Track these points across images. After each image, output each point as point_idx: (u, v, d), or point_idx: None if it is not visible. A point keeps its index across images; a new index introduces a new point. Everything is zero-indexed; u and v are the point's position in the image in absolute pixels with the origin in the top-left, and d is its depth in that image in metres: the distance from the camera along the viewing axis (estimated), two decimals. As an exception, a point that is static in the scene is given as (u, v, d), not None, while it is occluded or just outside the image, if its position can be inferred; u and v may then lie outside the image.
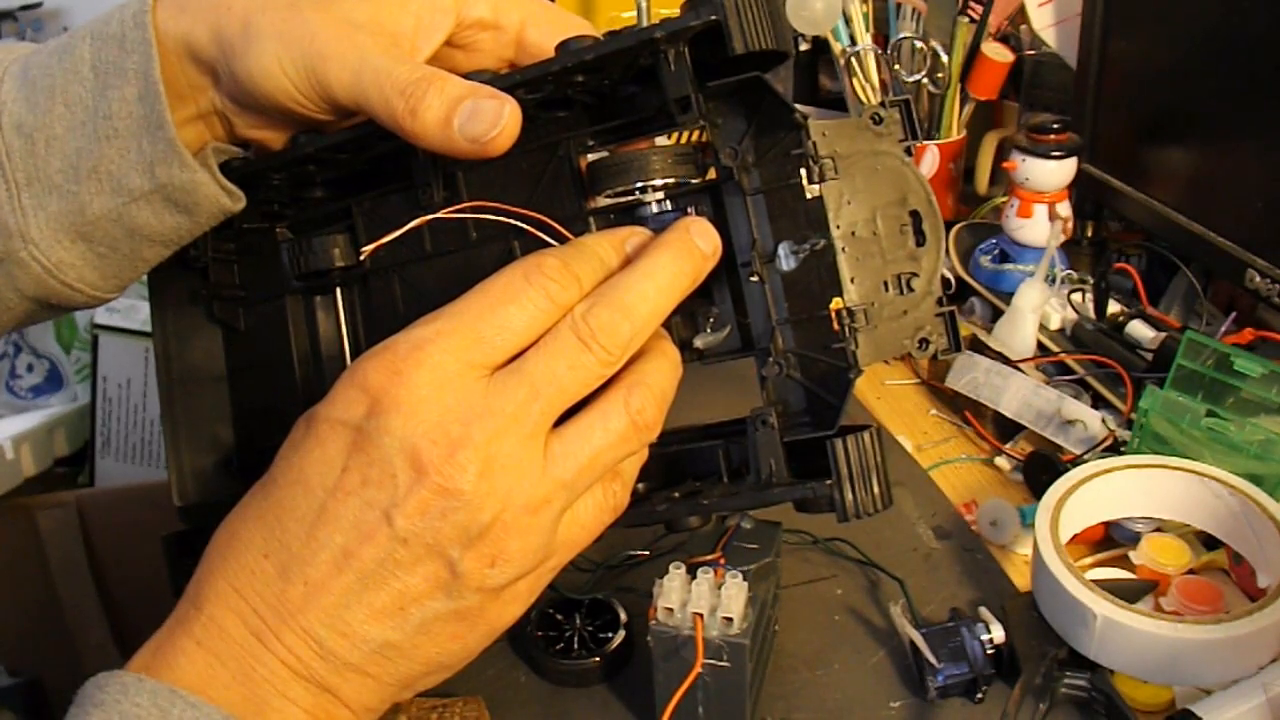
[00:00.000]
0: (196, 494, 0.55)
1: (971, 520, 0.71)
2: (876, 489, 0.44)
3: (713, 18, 0.42)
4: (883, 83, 1.01)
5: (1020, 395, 0.75)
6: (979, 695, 0.56)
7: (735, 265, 0.46)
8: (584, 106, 0.48)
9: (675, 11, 0.43)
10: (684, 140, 0.50)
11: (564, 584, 0.63)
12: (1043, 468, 0.71)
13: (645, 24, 1.38)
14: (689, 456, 0.50)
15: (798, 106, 0.45)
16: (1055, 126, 0.88)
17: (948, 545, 0.69)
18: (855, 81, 1.02)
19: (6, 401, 1.76)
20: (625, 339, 0.40)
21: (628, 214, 0.48)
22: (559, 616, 0.62)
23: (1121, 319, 0.81)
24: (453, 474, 0.37)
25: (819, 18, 0.99)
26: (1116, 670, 0.55)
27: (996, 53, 0.97)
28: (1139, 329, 0.80)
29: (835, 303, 0.44)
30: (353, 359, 0.50)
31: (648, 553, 0.67)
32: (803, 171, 0.44)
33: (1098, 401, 0.76)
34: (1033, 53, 1.04)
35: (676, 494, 0.47)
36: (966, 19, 0.95)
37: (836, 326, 0.44)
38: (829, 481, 0.44)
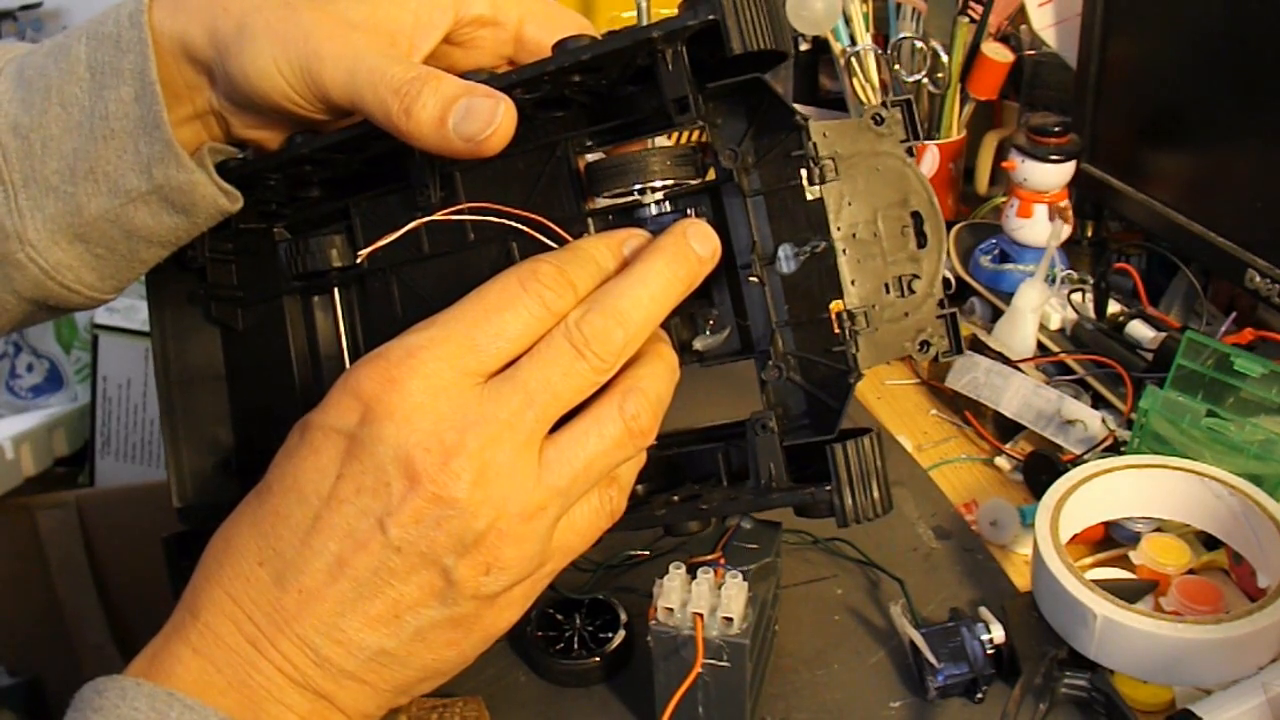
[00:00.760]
0: (196, 495, 0.55)
1: (971, 520, 0.71)
2: (876, 494, 0.44)
3: (710, 18, 0.42)
4: (883, 83, 1.01)
5: (1020, 395, 0.75)
6: (979, 695, 0.56)
7: (735, 266, 0.46)
8: (582, 107, 0.48)
9: (675, 11, 0.43)
10: (683, 140, 0.50)
11: (564, 584, 0.63)
12: (1043, 468, 0.71)
13: (645, 24, 1.38)
14: (688, 459, 0.50)
15: (798, 107, 0.45)
16: (1055, 129, 0.88)
17: (948, 545, 0.69)
18: (855, 81, 1.02)
19: (6, 401, 1.76)
20: (619, 345, 0.40)
21: (626, 215, 0.47)
22: (559, 616, 0.62)
23: (1121, 319, 0.81)
24: (447, 482, 0.37)
25: (819, 18, 0.99)
26: (1116, 670, 0.55)
27: (996, 53, 0.97)
28: (1139, 329, 0.80)
29: (835, 305, 0.44)
30: (351, 360, 0.49)
31: (648, 553, 0.67)
32: (803, 173, 0.44)
33: (1098, 401, 0.76)
34: (1033, 53, 1.04)
35: (676, 497, 0.47)
36: (966, 19, 0.95)
37: (837, 329, 0.44)
38: (828, 487, 0.43)
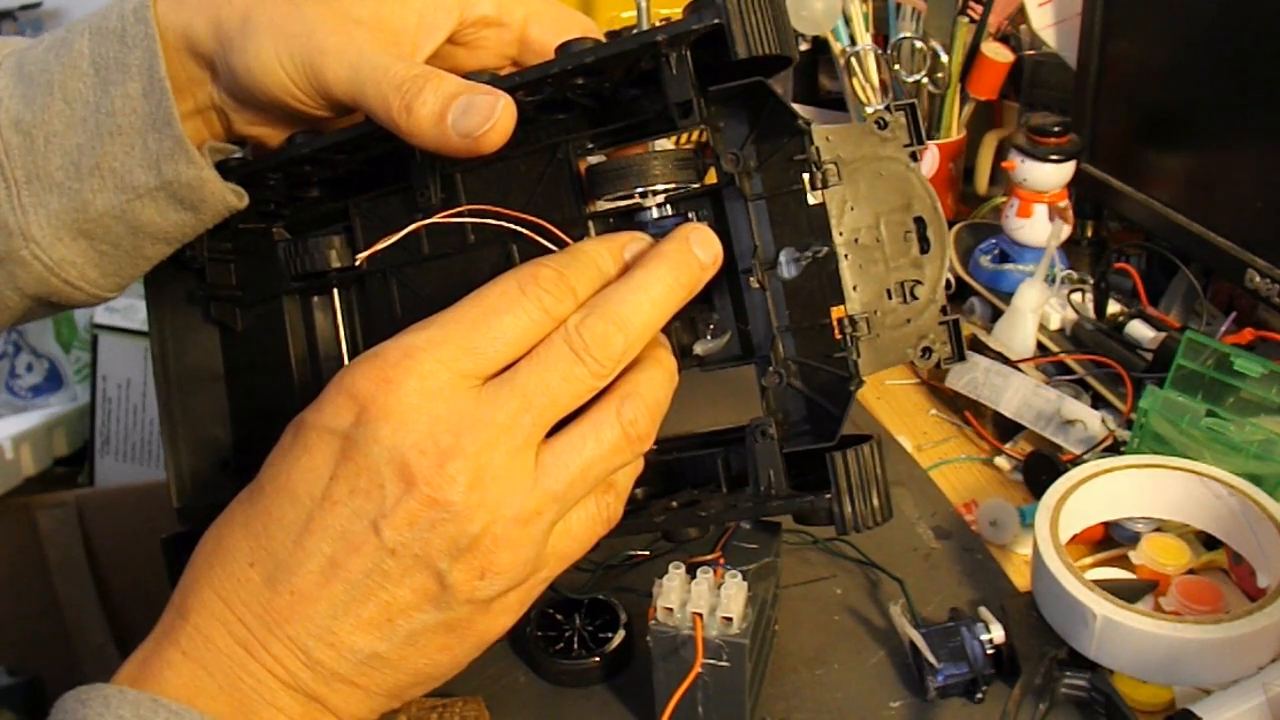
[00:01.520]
0: (195, 495, 0.54)
1: (971, 520, 0.71)
2: (876, 502, 0.44)
3: (715, 21, 0.41)
4: (883, 83, 1.01)
5: (1020, 395, 0.75)
6: (979, 695, 0.56)
7: (736, 271, 0.46)
8: (584, 109, 0.48)
9: (676, 12, 0.43)
10: (684, 142, 0.50)
11: (564, 584, 0.63)
12: (1043, 468, 0.71)
13: (646, 24, 1.38)
14: (688, 464, 0.50)
15: (797, 108, 0.45)
16: (1055, 129, 0.88)
17: (948, 545, 0.69)
18: (855, 82, 1.02)
19: (6, 401, 1.76)
20: (618, 351, 0.40)
21: (627, 218, 0.47)
22: (559, 616, 0.62)
23: (1121, 319, 0.81)
24: (442, 485, 0.37)
25: (819, 18, 1.00)
26: (1116, 670, 0.55)
27: (996, 53, 0.97)
28: (1139, 329, 0.80)
29: (837, 311, 0.44)
30: (350, 360, 0.49)
31: (648, 553, 0.67)
32: (805, 177, 0.44)
33: (1098, 401, 0.76)
34: (1033, 53, 1.04)
35: (675, 503, 0.47)
36: (966, 19, 0.95)
37: (838, 335, 0.44)
38: (828, 495, 0.43)
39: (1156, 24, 0.83)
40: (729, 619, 0.51)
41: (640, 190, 0.46)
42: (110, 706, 0.36)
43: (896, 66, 0.99)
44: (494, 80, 0.44)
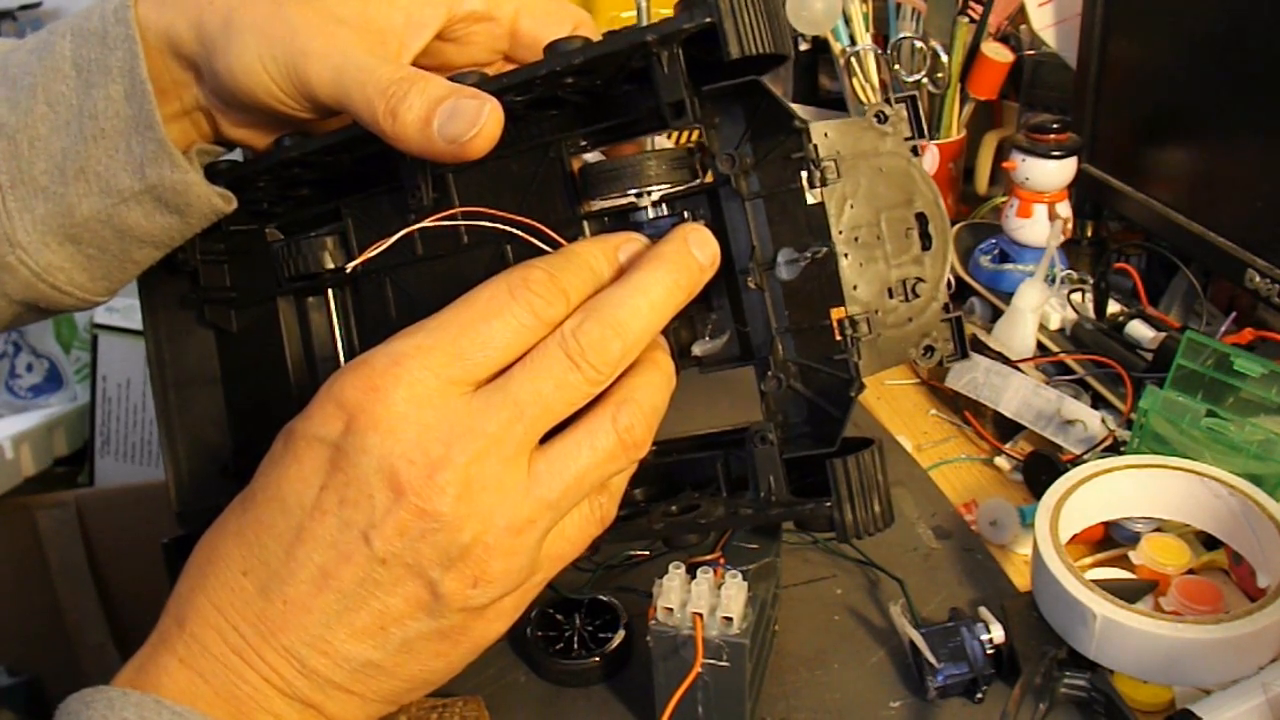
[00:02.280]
0: (195, 499, 0.54)
1: (971, 520, 0.71)
2: (877, 508, 0.43)
3: (707, 20, 0.41)
4: (883, 83, 1.01)
5: (1020, 395, 0.75)
6: (979, 695, 0.56)
7: (734, 270, 0.45)
8: (576, 106, 0.47)
9: (674, 12, 0.42)
10: (681, 141, 0.49)
11: (564, 584, 0.63)
12: (1043, 468, 0.71)
13: (644, 24, 1.37)
14: (686, 466, 0.49)
15: (797, 107, 0.44)
16: (1055, 126, 0.88)
17: (948, 545, 0.69)
18: (855, 81, 1.02)
19: (6, 401, 1.76)
20: (615, 357, 0.39)
21: (622, 218, 0.47)
22: (559, 616, 0.62)
23: (1121, 319, 0.81)
24: (431, 495, 0.36)
25: (819, 18, 0.99)
26: (1116, 670, 0.55)
27: (996, 53, 0.97)
28: (1139, 329, 0.80)
29: (837, 312, 0.43)
30: (345, 362, 0.49)
31: (648, 553, 0.67)
32: (803, 176, 0.43)
33: (1097, 401, 0.76)
34: (1033, 53, 1.04)
35: (674, 508, 0.47)
36: (966, 19, 0.95)
37: (839, 336, 0.43)
38: (828, 502, 0.43)
39: (1156, 24, 0.83)
40: (729, 619, 0.51)
41: (635, 191, 0.45)
42: (114, 708, 0.36)
43: (896, 66, 0.99)
44: (481, 83, 0.44)
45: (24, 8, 2.32)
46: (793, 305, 0.45)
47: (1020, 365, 0.77)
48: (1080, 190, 0.92)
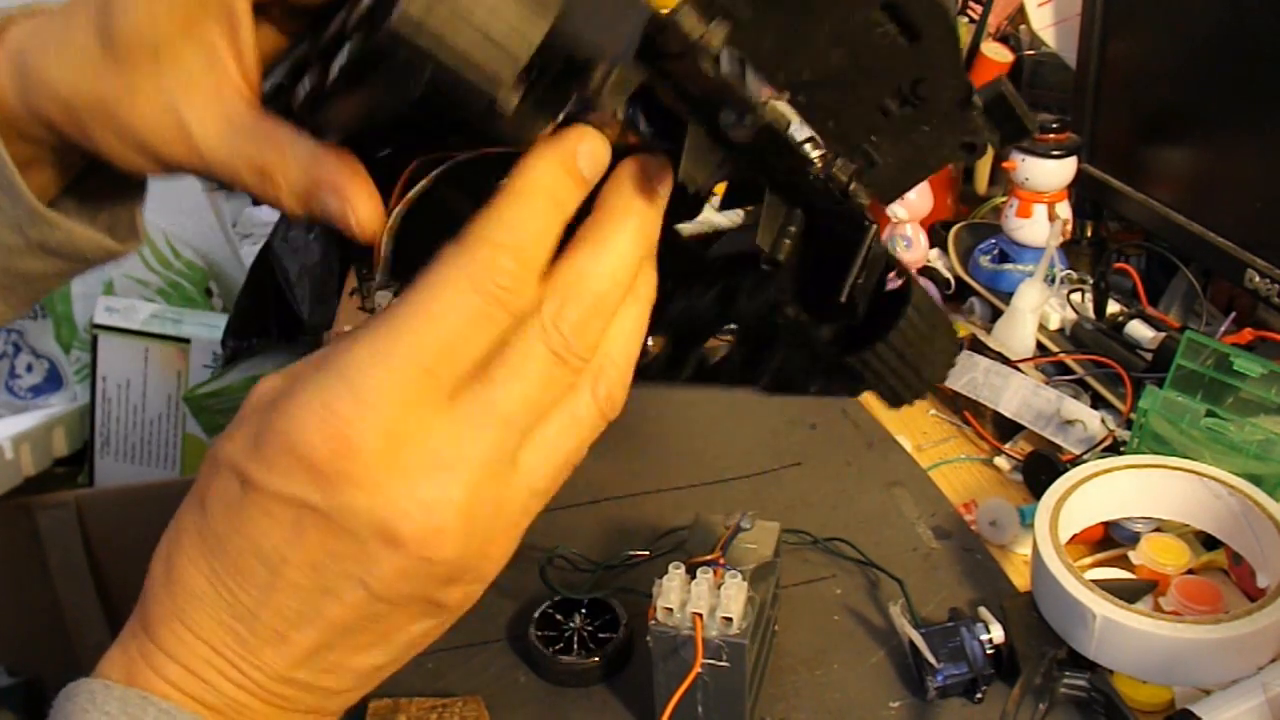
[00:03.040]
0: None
1: (971, 520, 0.71)
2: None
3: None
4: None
5: (1020, 395, 0.75)
6: (979, 695, 0.56)
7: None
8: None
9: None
10: None
11: (564, 584, 0.63)
12: (1042, 468, 0.71)
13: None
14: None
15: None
16: (1055, 126, 0.88)
17: (947, 545, 0.69)
18: (855, 81, 1.01)
19: (6, 401, 1.76)
20: (598, 335, 0.36)
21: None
22: (559, 616, 0.62)
23: (1121, 319, 0.81)
24: (433, 544, 0.33)
25: (819, 18, 0.99)
26: (1116, 670, 0.55)
27: (996, 53, 0.97)
28: (1138, 329, 0.80)
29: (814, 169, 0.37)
30: None
31: (648, 553, 0.67)
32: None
33: (1097, 401, 0.76)
34: (1033, 53, 1.04)
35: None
36: (966, 19, 0.95)
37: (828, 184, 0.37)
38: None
39: (1156, 24, 0.83)
40: (729, 619, 0.51)
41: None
42: (95, 701, 0.34)
43: (896, 66, 0.98)
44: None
45: (24, 8, 2.31)
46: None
47: (1020, 365, 0.77)
48: (1080, 190, 0.92)
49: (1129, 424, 0.69)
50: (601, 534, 0.70)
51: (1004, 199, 0.94)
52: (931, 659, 0.56)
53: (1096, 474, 0.62)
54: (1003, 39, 1.01)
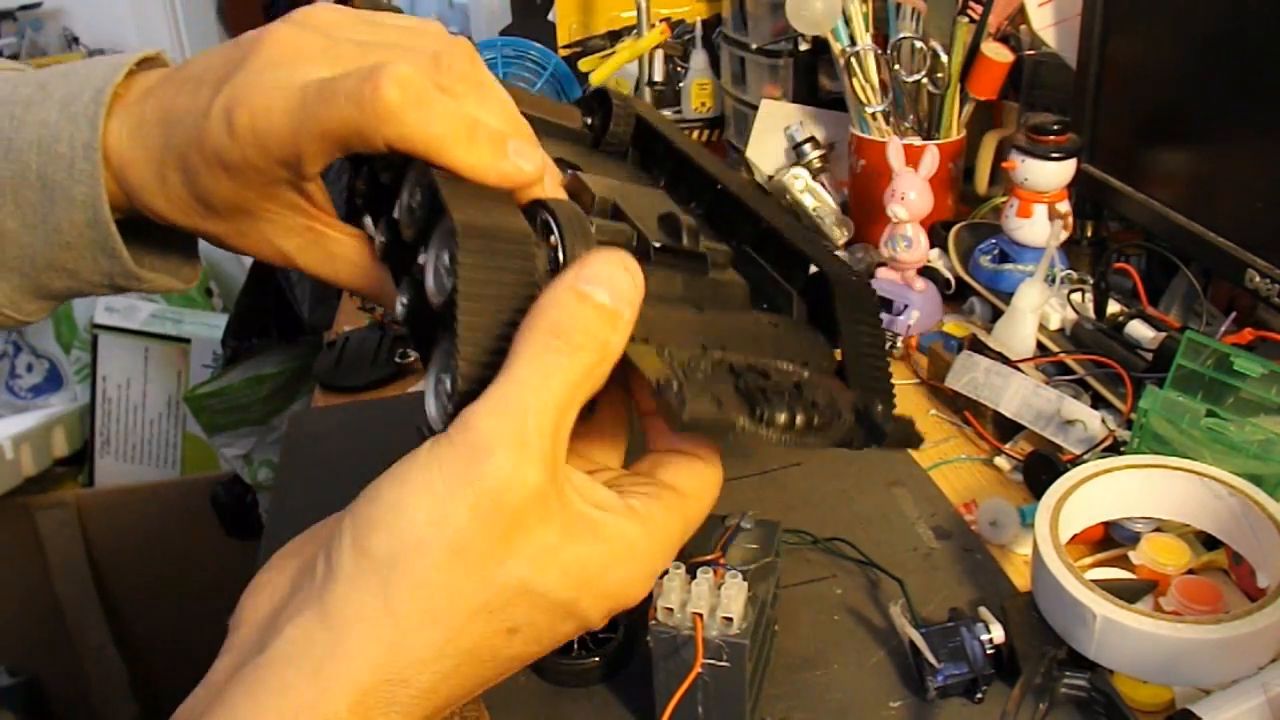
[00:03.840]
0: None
1: (971, 520, 0.71)
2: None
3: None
4: (882, 83, 1.01)
5: (1020, 395, 0.75)
6: (979, 695, 0.56)
7: None
8: None
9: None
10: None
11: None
12: (1043, 468, 0.71)
13: (645, 24, 1.37)
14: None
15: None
16: (1055, 127, 0.88)
17: (948, 545, 0.69)
18: (855, 81, 1.02)
19: (6, 401, 1.76)
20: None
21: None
22: (559, 616, 0.62)
23: (1121, 319, 0.81)
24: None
25: (819, 18, 1.00)
26: (1116, 670, 0.55)
27: (996, 53, 0.97)
28: (1139, 329, 0.80)
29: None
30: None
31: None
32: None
33: (1097, 401, 0.76)
34: (1033, 53, 1.04)
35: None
36: (966, 19, 0.95)
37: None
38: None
39: (1156, 24, 0.84)
40: (729, 619, 0.51)
41: None
42: None
43: (896, 66, 0.99)
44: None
45: (24, 8, 2.32)
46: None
47: (1020, 365, 0.77)
48: (1080, 190, 0.92)
49: (1129, 424, 0.69)
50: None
51: (1004, 199, 0.94)
52: (932, 659, 0.56)
53: (1097, 474, 0.62)
54: (1003, 39, 1.01)
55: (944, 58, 0.96)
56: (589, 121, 0.55)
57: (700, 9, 1.37)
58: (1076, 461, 0.69)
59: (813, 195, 1.03)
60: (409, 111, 0.38)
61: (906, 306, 0.92)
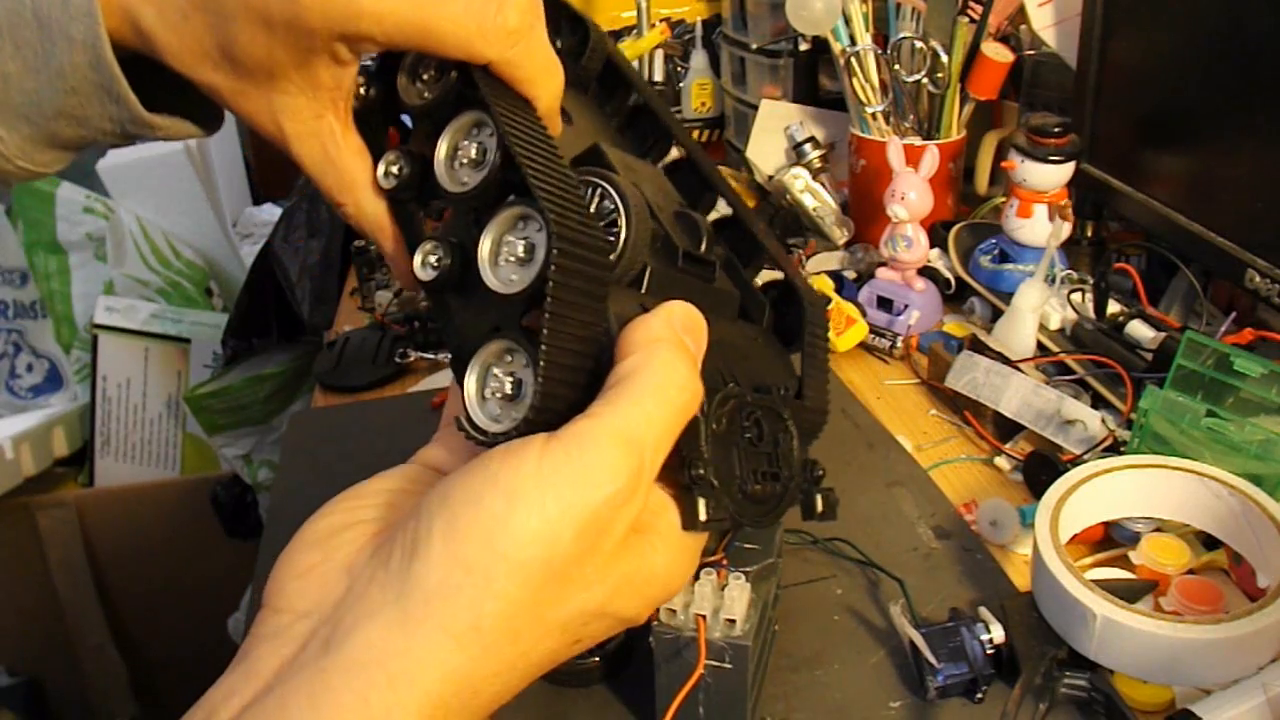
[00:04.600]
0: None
1: (971, 520, 0.71)
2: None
3: None
4: (883, 83, 1.01)
5: (1020, 395, 0.75)
6: (979, 695, 0.56)
7: None
8: None
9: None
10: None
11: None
12: (1043, 468, 0.71)
13: (646, 24, 1.37)
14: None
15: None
16: (1055, 130, 0.88)
17: (948, 545, 0.69)
18: (855, 81, 1.02)
19: (6, 401, 1.76)
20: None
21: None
22: (559, 617, 0.62)
23: (1121, 319, 0.81)
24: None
25: (819, 18, 1.00)
26: (1116, 670, 0.55)
27: (996, 53, 0.97)
28: (1139, 329, 0.80)
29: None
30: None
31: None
32: None
33: (1098, 401, 0.76)
34: (1033, 53, 1.04)
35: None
36: (966, 19, 0.95)
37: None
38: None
39: (1156, 24, 0.84)
40: (732, 621, 0.51)
41: None
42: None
43: (896, 66, 0.99)
44: None
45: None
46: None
47: (1020, 365, 0.77)
48: (1080, 190, 0.92)
49: (1129, 424, 0.69)
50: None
51: (1004, 199, 0.94)
52: (932, 659, 0.56)
53: (1097, 474, 0.62)
54: (1003, 39, 1.01)
55: (944, 58, 0.96)
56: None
57: (700, 9, 1.37)
58: (1076, 461, 0.69)
59: (813, 195, 1.03)
60: (521, 38, 0.39)
61: (906, 306, 0.92)
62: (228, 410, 1.49)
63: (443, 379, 0.98)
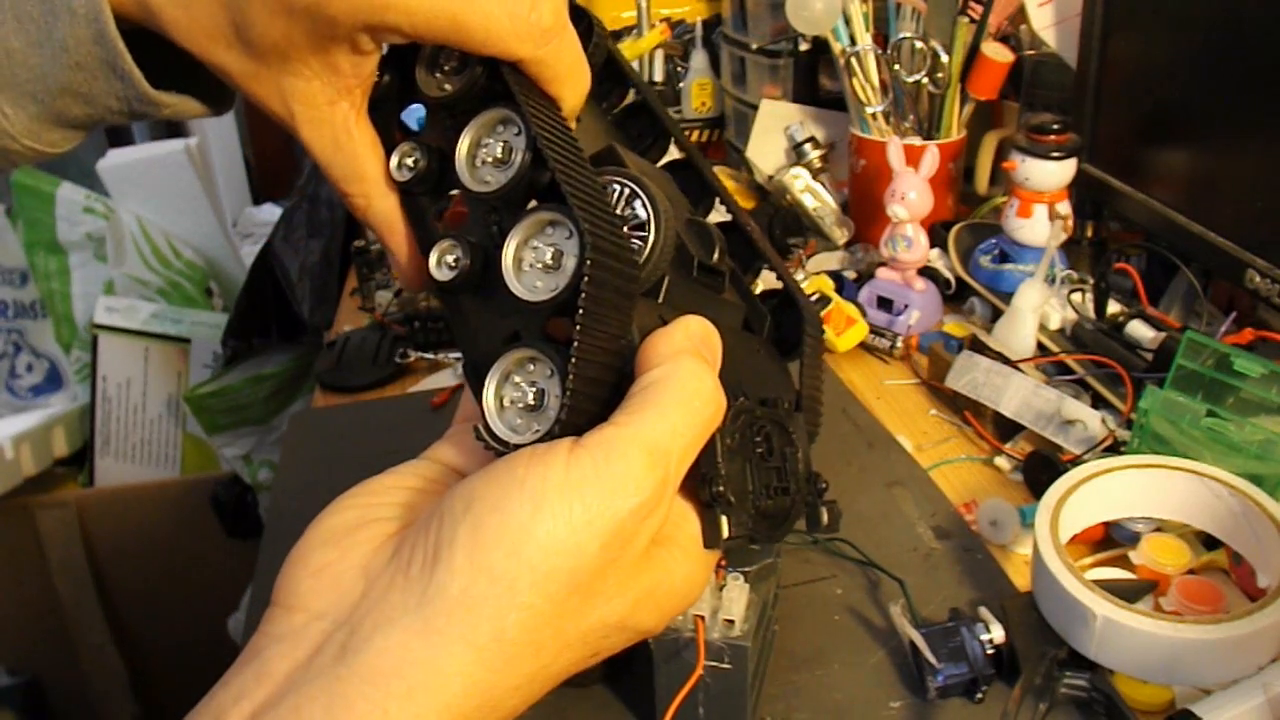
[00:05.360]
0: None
1: (971, 520, 0.71)
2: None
3: None
4: (883, 83, 1.01)
5: (1020, 395, 0.75)
6: (979, 695, 0.56)
7: None
8: None
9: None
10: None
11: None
12: (1043, 468, 0.71)
13: (646, 24, 1.37)
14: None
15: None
16: (1055, 127, 0.88)
17: (948, 545, 0.69)
18: (855, 81, 1.02)
19: (6, 401, 1.76)
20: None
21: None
22: (559, 617, 0.62)
23: (1121, 319, 0.81)
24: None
25: (819, 18, 1.00)
26: (1116, 670, 0.55)
27: (996, 53, 0.97)
28: (1139, 329, 0.80)
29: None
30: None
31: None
32: None
33: (1098, 401, 0.76)
34: (1033, 53, 1.04)
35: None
36: (966, 19, 0.95)
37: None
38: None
39: (1156, 24, 0.84)
40: (731, 621, 0.51)
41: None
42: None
43: (896, 66, 0.99)
44: None
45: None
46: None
47: (1020, 365, 0.77)
48: (1080, 190, 0.92)
49: (1129, 424, 0.69)
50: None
51: (1004, 199, 0.94)
52: (932, 659, 0.56)
53: (1097, 474, 0.62)
54: (1003, 39, 1.01)
55: (944, 58, 0.96)
56: None
57: (700, 9, 1.37)
58: (1076, 461, 0.69)
59: (813, 195, 1.03)
60: (554, 37, 0.39)
61: (906, 306, 0.92)
62: (228, 410, 1.49)
63: (443, 379, 0.98)
